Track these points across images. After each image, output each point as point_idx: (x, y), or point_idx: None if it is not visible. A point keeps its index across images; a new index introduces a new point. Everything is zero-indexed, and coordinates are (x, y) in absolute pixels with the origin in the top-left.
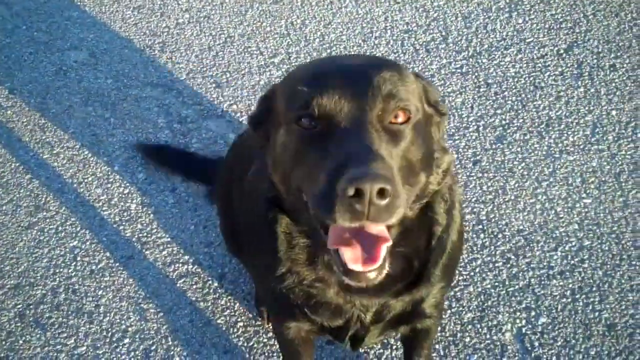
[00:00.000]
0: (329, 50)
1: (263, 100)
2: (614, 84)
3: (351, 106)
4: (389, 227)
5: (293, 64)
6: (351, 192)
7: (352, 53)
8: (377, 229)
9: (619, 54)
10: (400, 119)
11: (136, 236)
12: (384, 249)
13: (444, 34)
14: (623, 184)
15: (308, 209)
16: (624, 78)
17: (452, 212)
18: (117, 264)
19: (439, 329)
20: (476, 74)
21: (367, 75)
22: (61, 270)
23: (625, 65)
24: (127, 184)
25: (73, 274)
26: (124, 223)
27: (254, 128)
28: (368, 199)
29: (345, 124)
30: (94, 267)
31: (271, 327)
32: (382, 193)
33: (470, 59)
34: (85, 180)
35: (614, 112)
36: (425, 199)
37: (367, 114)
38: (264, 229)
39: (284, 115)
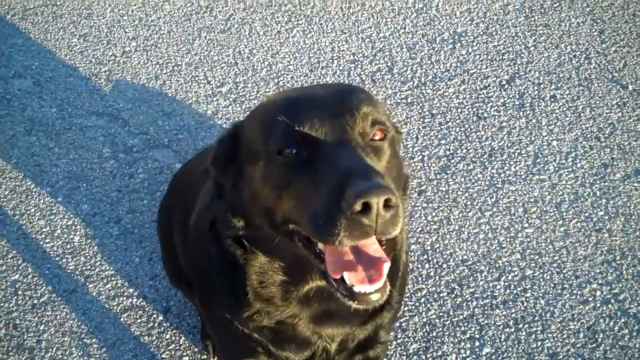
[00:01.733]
0: (276, 80)
1: (226, 139)
2: (554, 115)
3: (334, 128)
4: (381, 243)
5: (240, 94)
6: (359, 207)
7: (321, 83)
8: (374, 249)
9: (559, 85)
10: (378, 137)
11: (79, 269)
12: (385, 268)
13: (389, 64)
14: (564, 214)
15: (294, 240)
16: (564, 109)
17: (402, 232)
18: (60, 298)
19: None
20: (421, 104)
21: (342, 98)
22: (1, 304)
23: (565, 96)
24: (71, 216)
25: (14, 309)
26: (67, 256)
27: (220, 168)
28: (376, 212)
29: (332, 146)
30: (35, 301)
31: None
32: (387, 204)
33: (415, 89)
34: (28, 212)
35: (554, 143)
36: None
37: (351, 134)
38: (219, 275)
39: (262, 149)
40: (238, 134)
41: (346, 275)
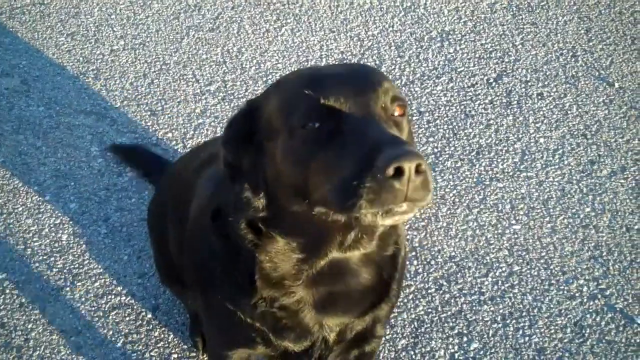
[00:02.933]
0: (265, 79)
1: (242, 117)
2: (541, 112)
3: (357, 103)
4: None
5: (229, 92)
6: (391, 171)
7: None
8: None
9: (546, 82)
10: (398, 113)
11: (67, 267)
12: None
13: (377, 62)
14: (551, 210)
15: (321, 208)
16: (551, 106)
17: (400, 225)
18: (48, 297)
19: None
20: (409, 102)
21: (364, 75)
22: None
23: (552, 94)
24: (59, 214)
25: (2, 307)
26: (55, 254)
27: (235, 150)
28: (407, 177)
29: (357, 119)
30: (23, 300)
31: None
32: (417, 170)
33: (403, 88)
34: (15, 211)
35: (541, 140)
36: None
37: (375, 108)
38: (222, 264)
39: (283, 124)
40: (255, 111)
41: None
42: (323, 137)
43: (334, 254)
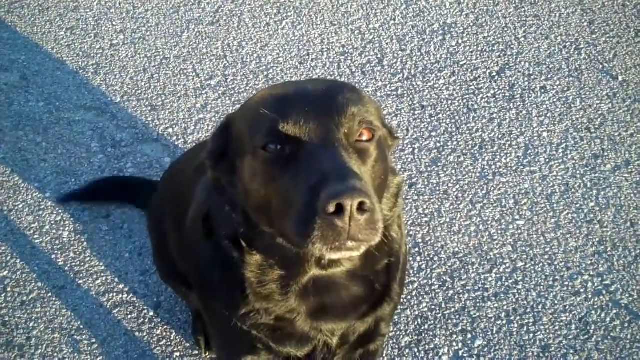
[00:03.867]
0: (265, 73)
1: (220, 132)
2: (544, 106)
3: (318, 127)
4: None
5: (230, 86)
6: (332, 208)
7: (313, 78)
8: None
9: (549, 76)
10: (365, 137)
11: (69, 265)
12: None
13: (379, 56)
14: (555, 205)
15: (281, 238)
16: (555, 100)
17: (401, 227)
18: (49, 294)
19: None
20: (411, 96)
21: (330, 97)
22: None
23: (555, 87)
24: (60, 211)
25: (3, 306)
26: (56, 252)
27: (215, 163)
28: (349, 215)
29: (315, 145)
30: (25, 298)
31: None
32: (361, 208)
33: (405, 82)
34: (16, 208)
35: (545, 134)
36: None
37: (335, 133)
38: (216, 272)
39: (248, 143)
40: (229, 127)
41: None
42: (282, 161)
43: (314, 272)
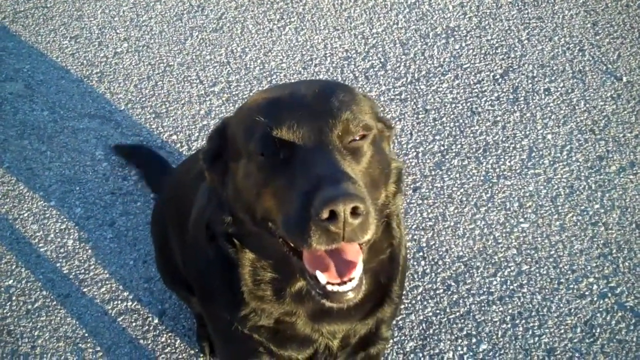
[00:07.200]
0: (269, 79)
1: (215, 134)
2: (548, 108)
3: (311, 131)
4: (360, 245)
5: (233, 93)
6: (326, 214)
7: (308, 79)
8: (351, 249)
9: (553, 78)
10: (359, 137)
11: (74, 273)
12: (357, 271)
13: (382, 60)
14: (559, 208)
15: (276, 237)
16: (559, 102)
17: (400, 226)
18: (54, 303)
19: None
20: (414, 100)
21: (323, 99)
22: None
23: (559, 89)
24: (64, 219)
25: (8, 314)
26: (60, 260)
27: (210, 164)
28: (343, 220)
29: (308, 149)
30: (30, 307)
31: None
32: (355, 212)
33: (409, 86)
34: (21, 216)
35: (549, 136)
36: (386, 213)
37: (329, 136)
38: (217, 275)
39: (243, 148)
40: (225, 130)
41: (319, 275)
42: (276, 165)
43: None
